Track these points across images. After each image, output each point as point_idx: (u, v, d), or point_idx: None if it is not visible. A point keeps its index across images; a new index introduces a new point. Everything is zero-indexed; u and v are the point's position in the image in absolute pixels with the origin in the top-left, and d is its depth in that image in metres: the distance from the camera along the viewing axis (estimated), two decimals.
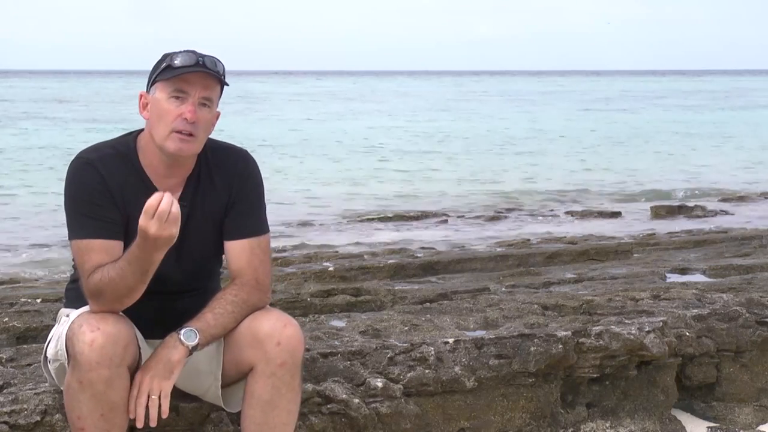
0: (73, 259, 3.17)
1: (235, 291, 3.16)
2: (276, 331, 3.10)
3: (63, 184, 3.15)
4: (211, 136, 3.26)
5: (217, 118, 3.21)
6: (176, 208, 2.85)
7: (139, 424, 3.02)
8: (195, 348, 3.05)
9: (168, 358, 3.02)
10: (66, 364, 3.03)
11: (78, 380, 2.94)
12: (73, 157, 3.17)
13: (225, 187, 3.22)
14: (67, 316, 3.17)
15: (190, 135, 3.08)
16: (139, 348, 3.06)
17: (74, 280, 3.27)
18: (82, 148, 3.22)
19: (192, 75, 3.06)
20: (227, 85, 3.16)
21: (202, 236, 3.22)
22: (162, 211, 2.83)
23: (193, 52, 3.10)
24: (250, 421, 3.15)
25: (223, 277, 3.46)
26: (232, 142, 3.35)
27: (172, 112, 3.07)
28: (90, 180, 3.09)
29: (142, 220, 2.84)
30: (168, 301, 3.20)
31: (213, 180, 3.22)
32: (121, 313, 3.03)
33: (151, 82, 3.14)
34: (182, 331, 3.04)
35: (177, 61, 3.07)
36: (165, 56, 3.13)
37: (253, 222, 3.24)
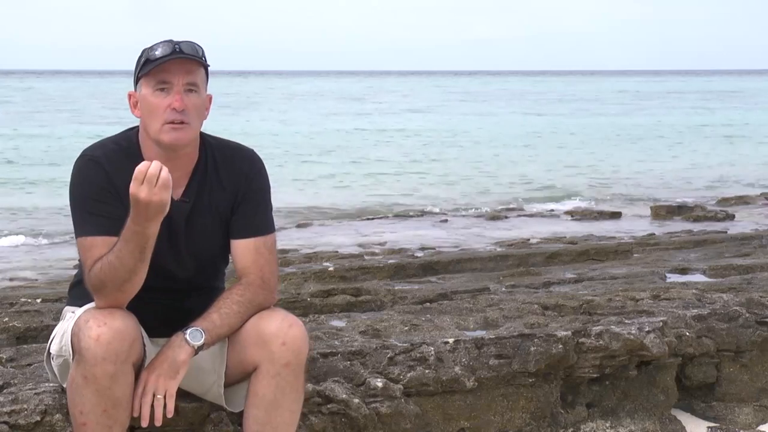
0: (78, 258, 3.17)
1: (241, 290, 3.16)
2: (281, 332, 3.10)
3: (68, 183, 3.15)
4: (218, 135, 3.26)
5: (210, 101, 3.21)
6: (165, 173, 2.86)
7: (144, 423, 3.02)
8: (201, 348, 3.05)
9: (174, 358, 3.02)
10: (70, 360, 3.03)
11: (83, 375, 2.95)
12: (77, 155, 3.17)
13: (232, 186, 3.22)
14: (73, 312, 3.17)
15: (182, 123, 3.07)
16: (144, 346, 3.06)
17: (79, 278, 3.27)
18: (86, 145, 3.23)
19: (171, 64, 3.06)
20: (209, 66, 3.15)
21: (208, 232, 3.21)
22: (151, 174, 2.84)
23: (170, 41, 3.10)
24: (253, 421, 3.15)
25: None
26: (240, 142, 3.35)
27: (161, 104, 3.07)
28: (94, 177, 3.09)
29: (132, 187, 2.85)
30: (174, 300, 3.21)
31: (220, 178, 3.22)
32: (127, 310, 3.03)
33: (136, 80, 3.15)
34: (188, 331, 3.04)
35: (155, 53, 3.07)
36: (144, 51, 3.13)
37: (259, 221, 3.24)
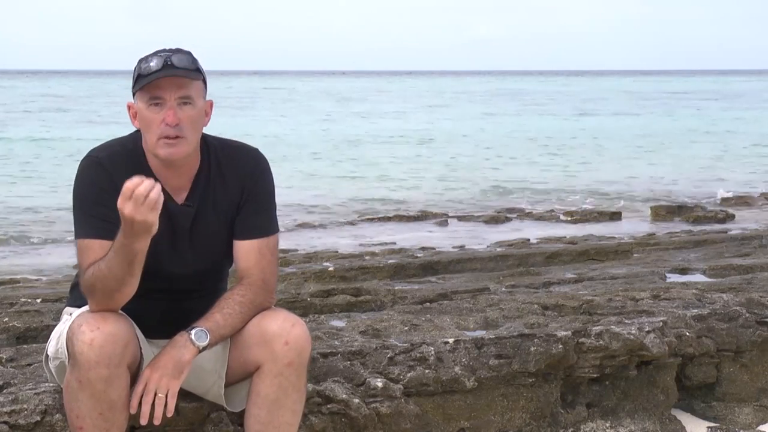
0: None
1: (242, 291, 3.15)
2: (284, 331, 3.10)
3: (69, 183, 3.15)
4: (222, 136, 3.25)
5: (211, 106, 3.18)
6: (155, 194, 2.81)
7: (144, 421, 3.02)
8: (205, 348, 3.05)
9: (179, 358, 3.01)
10: (66, 363, 3.03)
11: (77, 379, 2.94)
12: (83, 156, 3.16)
13: (237, 186, 3.20)
14: (70, 314, 3.17)
15: (177, 137, 3.04)
16: (140, 347, 3.06)
17: (78, 279, 3.27)
18: (92, 146, 3.21)
19: (163, 79, 3.02)
20: (203, 75, 3.10)
21: (212, 235, 3.20)
22: (138, 194, 2.80)
23: (160, 54, 3.05)
24: (255, 420, 3.15)
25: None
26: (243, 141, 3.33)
27: (155, 119, 3.04)
28: (98, 179, 3.08)
29: (119, 201, 2.82)
30: (176, 301, 3.21)
31: (224, 178, 3.20)
32: (121, 312, 3.03)
33: (133, 92, 3.12)
34: (193, 331, 3.04)
35: (148, 66, 3.03)
36: (138, 62, 3.09)
37: (263, 222, 3.23)
